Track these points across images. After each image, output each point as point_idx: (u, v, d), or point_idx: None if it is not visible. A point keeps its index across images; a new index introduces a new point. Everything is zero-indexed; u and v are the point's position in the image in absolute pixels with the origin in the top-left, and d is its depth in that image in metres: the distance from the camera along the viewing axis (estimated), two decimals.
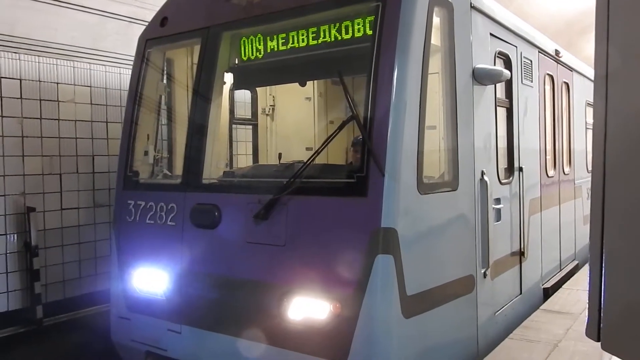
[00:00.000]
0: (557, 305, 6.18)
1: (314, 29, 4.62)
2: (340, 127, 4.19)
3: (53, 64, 6.82)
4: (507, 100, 5.73)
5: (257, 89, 7.66)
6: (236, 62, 5.25)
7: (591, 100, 9.51)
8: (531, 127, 6.38)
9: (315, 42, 4.64)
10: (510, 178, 5.72)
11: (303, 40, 4.71)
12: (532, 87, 6.39)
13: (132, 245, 5.40)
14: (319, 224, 4.15)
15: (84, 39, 7.04)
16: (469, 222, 4.73)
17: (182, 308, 4.86)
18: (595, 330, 1.96)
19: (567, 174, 7.92)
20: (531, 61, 6.38)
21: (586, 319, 2.00)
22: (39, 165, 6.61)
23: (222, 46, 5.15)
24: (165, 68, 5.89)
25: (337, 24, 4.47)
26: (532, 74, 6.39)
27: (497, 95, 5.43)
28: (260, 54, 5.05)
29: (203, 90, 5.14)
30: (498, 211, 5.37)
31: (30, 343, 6.46)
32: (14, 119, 6.35)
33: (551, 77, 7.25)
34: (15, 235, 6.38)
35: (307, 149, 6.72)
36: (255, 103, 7.76)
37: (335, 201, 4.09)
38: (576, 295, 6.54)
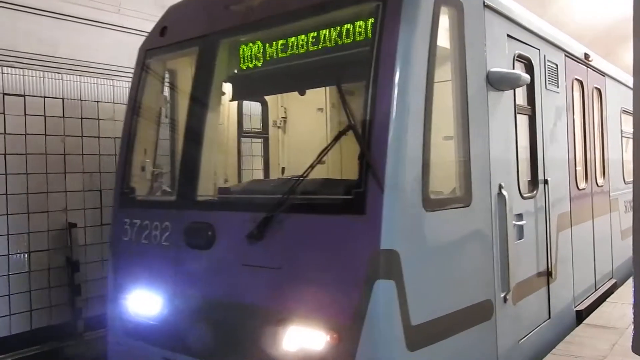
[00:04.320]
0: (602, 319, 5.95)
1: (314, 34, 4.29)
2: (336, 138, 3.83)
3: (94, 83, 7.06)
4: (529, 107, 5.27)
5: (268, 100, 7.39)
6: (235, 71, 4.95)
7: (627, 107, 8.93)
8: (558, 136, 5.89)
9: (315, 47, 4.30)
10: (534, 191, 5.24)
11: (302, 46, 4.39)
12: (558, 92, 5.91)
13: (127, 266, 5.12)
14: (315, 245, 3.78)
15: (123, 58, 7.14)
16: (484, 241, 4.28)
17: (176, 335, 4.53)
18: None
19: (601, 186, 7.35)
20: (557, 65, 5.91)
21: (632, 333, 1.98)
22: (80, 182, 6.85)
23: (220, 54, 4.85)
24: (165, 79, 5.64)
25: (337, 28, 4.13)
26: (557, 79, 5.91)
27: (518, 102, 4.98)
28: (259, 61, 4.74)
29: (199, 102, 4.85)
30: (520, 228, 4.90)
31: (72, 357, 6.59)
32: (57, 137, 6.62)
33: (580, 82, 6.73)
34: (57, 251, 6.58)
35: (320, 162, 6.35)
36: (265, 115, 7.47)
37: (332, 220, 3.71)
38: (621, 309, 6.28)
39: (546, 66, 5.61)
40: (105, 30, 7.12)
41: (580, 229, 6.42)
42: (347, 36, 4.10)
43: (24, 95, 6.36)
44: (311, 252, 3.79)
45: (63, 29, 6.63)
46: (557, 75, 5.90)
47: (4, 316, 6.18)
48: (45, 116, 6.52)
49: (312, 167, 3.89)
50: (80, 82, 6.88)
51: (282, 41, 4.52)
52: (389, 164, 3.49)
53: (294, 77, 4.66)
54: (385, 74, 3.62)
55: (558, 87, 5.91)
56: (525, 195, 5.02)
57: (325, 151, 3.87)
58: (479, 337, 4.19)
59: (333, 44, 4.17)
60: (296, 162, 6.71)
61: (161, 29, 5.43)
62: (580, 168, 6.67)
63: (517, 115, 4.95)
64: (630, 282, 7.53)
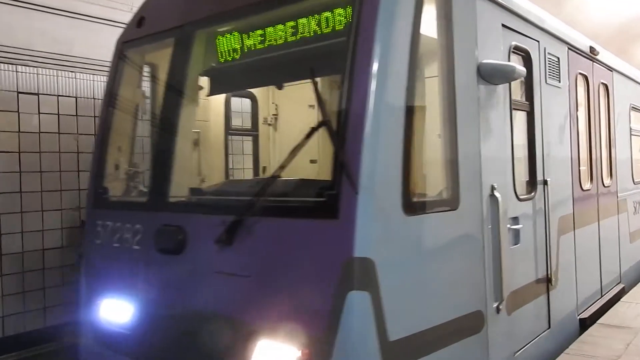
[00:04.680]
0: (616, 319, 5.92)
1: (292, 23, 3.99)
2: (309, 135, 3.53)
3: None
4: (527, 103, 4.92)
5: (258, 96, 7.10)
6: (212, 64, 4.65)
7: (637, 104, 8.53)
8: (559, 133, 5.53)
9: (293, 37, 4.01)
10: (533, 193, 4.90)
11: (280, 37, 4.09)
12: (560, 88, 5.55)
13: (99, 270, 4.85)
14: (286, 252, 3.47)
15: None
16: (474, 247, 3.95)
17: (144, 345, 4.25)
18: None
19: (608, 186, 6.97)
20: (558, 58, 5.55)
21: None
22: None
23: (195, 46, 4.56)
24: (143, 73, 5.36)
25: (315, 16, 3.84)
26: (559, 73, 5.55)
27: (514, 97, 4.64)
28: (236, 53, 4.45)
29: (173, 97, 4.57)
30: (516, 232, 4.56)
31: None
32: (70, 135, 6.60)
33: (585, 77, 6.36)
34: (71, 249, 6.56)
35: (312, 161, 6.05)
36: (255, 112, 7.19)
37: (304, 224, 3.40)
38: (636, 309, 6.25)
39: (546, 59, 5.26)
40: (119, 29, 7.20)
41: (585, 232, 6.07)
42: (326, 25, 3.80)
43: (37, 94, 6.34)
44: (282, 259, 3.49)
45: (78, 28, 6.68)
46: (559, 69, 5.55)
47: (17, 313, 6.16)
48: (58, 114, 6.52)
49: (282, 167, 3.59)
50: (93, 80, 6.86)
51: (260, 32, 4.24)
52: (364, 164, 3.18)
53: (272, 70, 4.36)
54: (362, 65, 3.30)
55: (560, 81, 5.55)
56: (522, 197, 4.68)
57: (295, 150, 3.56)
58: (468, 351, 3.86)
59: (311, 34, 3.88)
60: (308, 160, 6.41)
61: (138, 19, 5.15)
62: (584, 168, 6.31)
63: (513, 112, 4.62)
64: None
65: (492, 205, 4.12)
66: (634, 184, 8.17)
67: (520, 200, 4.64)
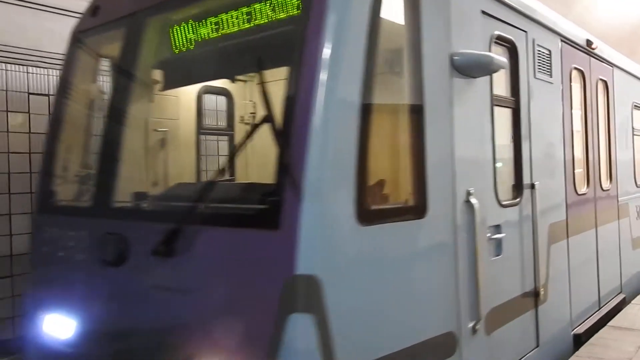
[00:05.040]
0: (627, 321, 5.93)
1: (247, 9, 3.58)
2: (250, 133, 3.12)
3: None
4: (512, 98, 4.48)
5: (234, 93, 6.69)
6: (164, 55, 4.25)
7: (638, 101, 8.04)
8: (550, 132, 5.08)
9: (248, 25, 3.59)
10: (518, 198, 4.45)
11: (235, 25, 3.68)
12: (551, 83, 5.10)
13: (44, 280, 4.45)
14: (226, 266, 3.06)
15: None
16: (445, 261, 3.51)
17: None
18: None
19: (607, 190, 6.50)
20: (550, 51, 5.09)
21: None
22: None
23: (147, 36, 4.16)
24: (98, 66, 4.96)
25: (271, 0, 3.42)
26: (551, 67, 5.10)
27: (496, 92, 4.20)
28: (190, 44, 4.04)
29: (123, 91, 4.17)
30: (497, 242, 4.12)
31: None
32: None
33: (581, 72, 5.90)
34: None
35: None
36: (231, 109, 6.78)
37: (244, 235, 2.98)
38: None
39: (535, 51, 4.81)
40: None
41: (580, 239, 5.60)
42: (280, 11, 3.38)
43: (48, 95, 6.21)
44: (221, 275, 3.08)
45: None
46: (551, 63, 5.09)
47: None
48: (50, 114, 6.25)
49: (222, 170, 3.19)
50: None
51: (214, 19, 3.83)
52: (310, 165, 2.76)
53: (228, 61, 3.95)
54: (310, 53, 2.89)
55: (551, 76, 5.09)
56: (505, 202, 4.23)
57: (237, 150, 3.15)
58: None
59: (266, 21, 3.46)
60: (265, 162, 6.00)
61: (93, 8, 4.75)
62: (580, 170, 5.85)
63: (496, 108, 4.17)
64: None
65: (468, 212, 3.68)
66: (637, 187, 7.68)
67: (503, 206, 4.19)
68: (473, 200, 3.69)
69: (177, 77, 4.41)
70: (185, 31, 4.00)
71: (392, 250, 3.13)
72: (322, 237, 2.78)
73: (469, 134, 3.79)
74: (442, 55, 3.55)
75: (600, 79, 6.43)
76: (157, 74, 4.48)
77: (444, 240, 3.50)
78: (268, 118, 2.98)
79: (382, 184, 3.33)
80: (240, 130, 6.84)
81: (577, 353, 4.96)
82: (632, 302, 6.73)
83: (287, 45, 3.14)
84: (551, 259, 4.90)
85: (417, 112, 3.33)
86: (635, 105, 7.75)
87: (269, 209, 2.86)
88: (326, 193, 2.80)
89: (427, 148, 3.35)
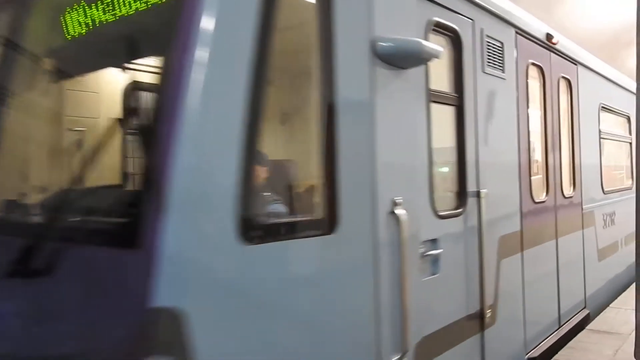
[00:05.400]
0: (605, 325, 5.99)
1: None
2: (109, 135, 2.55)
3: None
4: (455, 95, 3.95)
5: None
6: (52, 43, 3.65)
7: (607, 103, 7.61)
8: (502, 134, 4.57)
9: (127, 11, 3.01)
10: (460, 209, 3.92)
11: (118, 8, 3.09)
12: (503, 79, 4.59)
13: None
14: (82, 292, 2.48)
15: None
16: (360, 284, 2.96)
17: None
18: None
19: (570, 197, 6.02)
20: (502, 44, 4.58)
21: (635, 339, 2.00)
22: None
23: (32, 20, 3.57)
24: None
25: None
26: (503, 61, 4.59)
27: (434, 87, 3.67)
28: (81, 28, 3.45)
29: (4, 83, 3.57)
30: (434, 259, 3.58)
31: None
32: None
33: (540, 69, 5.41)
34: None
35: None
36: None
37: (102, 255, 2.40)
38: (625, 315, 6.27)
39: (484, 43, 4.29)
40: None
41: (537, 252, 5.10)
42: None
43: None
44: (76, 302, 2.50)
45: None
46: (503, 57, 4.58)
47: None
48: None
49: (79, 177, 2.60)
50: None
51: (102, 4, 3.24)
52: (178, 170, 2.20)
53: (111, 49, 3.36)
54: (183, 35, 2.33)
55: (504, 71, 4.58)
56: (443, 213, 3.70)
57: (93, 154, 2.58)
58: None
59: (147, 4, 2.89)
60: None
61: None
62: (539, 176, 5.36)
63: (433, 105, 3.64)
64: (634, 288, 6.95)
65: (394, 225, 3.13)
66: (604, 194, 7.22)
67: (441, 217, 3.66)
68: (399, 211, 3.14)
69: (67, 66, 3.81)
70: (74, 15, 3.41)
71: (289, 275, 2.57)
72: (191, 260, 2.22)
73: (397, 134, 3.25)
74: (360, 40, 3.01)
75: (563, 77, 5.95)
76: (48, 63, 3.88)
77: (360, 260, 2.95)
78: (132, 111, 2.41)
79: (278, 192, 2.78)
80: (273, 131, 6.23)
81: (555, 357, 4.98)
82: (611, 305, 6.74)
83: (162, 26, 2.57)
84: (501, 275, 4.38)
85: (326, 108, 2.78)
86: (602, 107, 7.30)
87: (126, 223, 2.29)
88: (198, 204, 2.24)
89: (340, 150, 2.80)
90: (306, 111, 2.82)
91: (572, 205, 6.09)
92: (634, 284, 6.73)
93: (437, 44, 3.43)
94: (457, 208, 3.90)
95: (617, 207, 7.73)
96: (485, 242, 4.10)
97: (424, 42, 3.17)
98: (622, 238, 8.04)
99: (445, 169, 3.92)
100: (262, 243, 2.43)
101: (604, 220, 7.16)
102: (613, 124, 8.16)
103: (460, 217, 3.89)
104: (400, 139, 3.28)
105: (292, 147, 2.87)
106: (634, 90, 9.15)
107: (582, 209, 6.35)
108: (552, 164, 5.54)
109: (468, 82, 4.04)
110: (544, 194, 5.40)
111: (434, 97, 3.65)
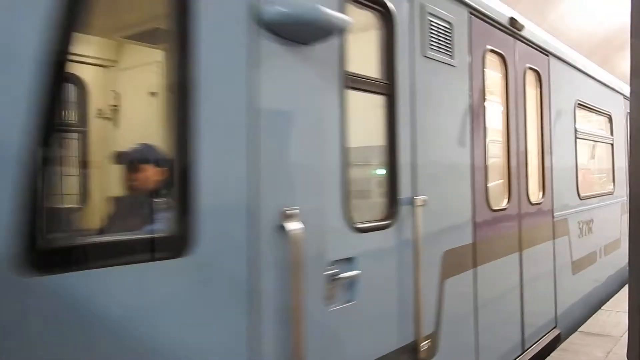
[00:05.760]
0: (597, 327, 6.00)
1: None
2: None
3: None
4: (384, 82, 3.27)
5: (88, 81, 5.39)
6: None
7: (584, 100, 6.96)
8: (448, 131, 3.89)
9: None
10: (390, 219, 3.24)
11: None
12: (452, 66, 3.91)
13: None
14: None
15: None
16: (228, 322, 2.26)
17: None
18: (637, 353, 2.02)
19: (538, 204, 5.35)
20: (451, 24, 3.90)
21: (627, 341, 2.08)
22: None
23: None
24: None
25: None
26: (452, 45, 3.91)
27: (354, 70, 2.99)
28: None
29: None
30: (348, 283, 2.89)
31: None
32: None
33: (501, 57, 4.73)
34: None
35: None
36: (82, 101, 5.47)
37: None
38: (616, 317, 6.31)
39: (425, 22, 3.61)
40: None
41: (495, 267, 4.43)
42: None
43: None
44: None
45: None
46: (452, 40, 3.91)
47: None
48: None
49: None
50: None
51: None
52: None
53: None
54: None
55: (453, 57, 3.91)
56: (364, 226, 3.01)
57: None
58: None
59: None
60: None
61: None
62: (498, 180, 4.69)
63: (350, 92, 2.95)
64: (626, 289, 6.70)
65: (284, 243, 2.44)
66: (580, 199, 6.56)
67: (360, 231, 2.97)
68: (292, 225, 2.45)
69: None
70: None
71: (100, 320, 1.87)
72: None
73: (292, 127, 2.56)
74: (237, 8, 2.32)
75: (531, 68, 5.28)
76: None
77: (228, 290, 2.25)
78: None
79: (84, 205, 2.08)
80: (97, 127, 5.54)
81: (547, 359, 4.99)
82: (602, 307, 6.77)
83: None
84: (446, 297, 3.70)
85: (177, 91, 2.09)
86: (579, 104, 6.64)
87: None
88: None
89: (196, 148, 2.11)
90: (138, 95, 2.14)
91: (541, 212, 5.41)
92: (626, 286, 6.68)
93: (361, 20, 2.75)
94: (384, 219, 3.21)
95: (595, 214, 7.08)
96: (422, 259, 3.41)
97: (324, 9, 2.48)
98: (602, 247, 7.40)
99: (371, 172, 3.24)
100: (56, 274, 1.74)
101: (579, 228, 6.50)
102: (593, 124, 7.52)
103: (389, 230, 3.20)
104: (297, 133, 2.59)
105: (127, 136, 2.19)
106: (617, 88, 8.58)
107: (553, 216, 5.68)
108: (515, 166, 4.87)
109: (402, 67, 3.36)
110: (505, 200, 4.72)
111: (352, 82, 2.96)
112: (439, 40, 3.76)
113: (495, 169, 4.63)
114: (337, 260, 2.80)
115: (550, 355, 5.05)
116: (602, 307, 6.78)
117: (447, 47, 3.84)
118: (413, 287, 3.36)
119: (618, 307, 6.64)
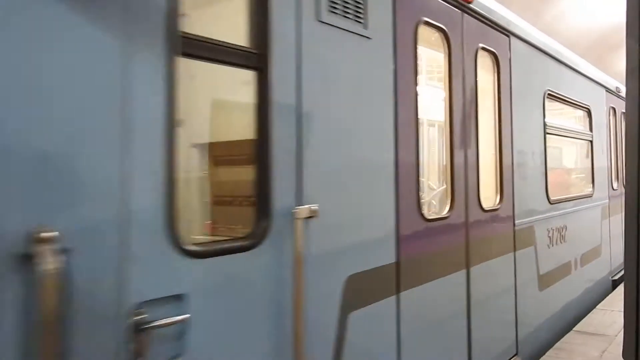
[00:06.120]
0: (592, 326, 6.00)
1: None
2: None
3: None
4: (252, 51, 2.41)
5: None
6: None
7: (557, 90, 6.13)
8: (360, 121, 3.03)
9: None
10: (254, 238, 2.38)
11: None
12: (366, 37, 3.06)
13: None
14: None
15: None
16: None
17: None
18: (633, 353, 1.97)
19: (494, 211, 4.51)
20: None
21: (622, 340, 2.03)
22: None
23: None
24: None
25: None
26: (364, 10, 3.05)
27: (185, 30, 2.13)
28: None
29: None
30: (175, 333, 2.04)
31: None
32: None
33: (442, 32, 3.88)
34: None
35: None
36: None
37: None
38: (611, 316, 6.29)
39: None
40: None
41: (429, 290, 3.59)
42: None
43: None
44: None
45: None
46: (364, 4, 3.05)
47: None
48: None
49: None
50: None
51: None
52: None
53: None
54: None
55: (366, 27, 3.05)
56: (200, 249, 2.15)
57: None
58: None
59: None
60: None
61: None
62: (444, 186, 3.85)
63: (187, 62, 2.10)
64: (621, 289, 6.61)
65: (31, 281, 1.59)
66: (550, 204, 5.72)
67: (194, 255, 2.11)
68: (48, 255, 1.60)
69: None
70: None
71: None
72: None
73: (59, 105, 1.70)
74: None
75: (484, 49, 4.43)
76: None
77: None
78: None
79: None
80: None
81: (543, 358, 5.00)
82: (597, 307, 6.76)
83: None
84: (350, 335, 2.85)
85: None
86: (550, 95, 5.79)
87: None
88: None
89: None
90: None
91: (497, 220, 4.57)
92: (621, 285, 6.29)
93: None
94: (245, 237, 2.36)
95: (570, 219, 6.25)
96: (309, 289, 2.56)
97: None
98: (577, 257, 6.57)
99: (223, 173, 2.39)
100: None
101: (549, 237, 5.66)
102: (567, 117, 6.69)
103: (251, 253, 2.34)
104: (66, 115, 1.73)
105: None
106: (599, 81, 7.75)
107: (514, 224, 4.84)
108: (461, 165, 4.02)
109: (282, 32, 2.51)
110: (447, 207, 3.88)
111: (190, 47, 2.10)
112: (344, 2, 2.90)
113: (434, 169, 3.79)
114: (150, 301, 1.95)
115: (546, 354, 5.05)
116: (597, 307, 6.74)
117: (356, 12, 2.98)
118: (292, 329, 2.50)
119: (613, 306, 6.65)
